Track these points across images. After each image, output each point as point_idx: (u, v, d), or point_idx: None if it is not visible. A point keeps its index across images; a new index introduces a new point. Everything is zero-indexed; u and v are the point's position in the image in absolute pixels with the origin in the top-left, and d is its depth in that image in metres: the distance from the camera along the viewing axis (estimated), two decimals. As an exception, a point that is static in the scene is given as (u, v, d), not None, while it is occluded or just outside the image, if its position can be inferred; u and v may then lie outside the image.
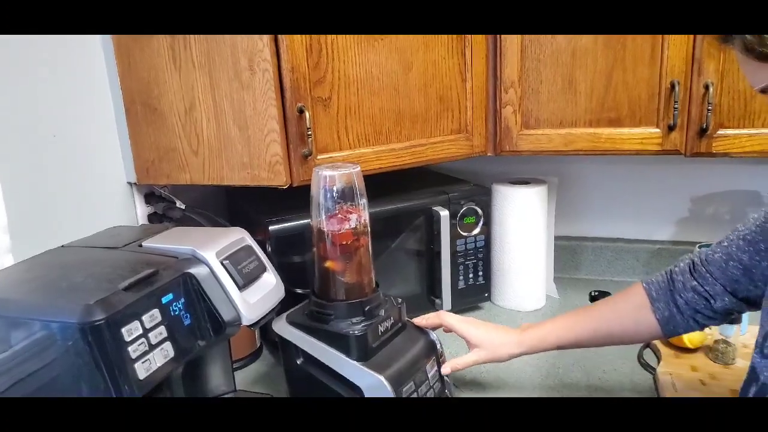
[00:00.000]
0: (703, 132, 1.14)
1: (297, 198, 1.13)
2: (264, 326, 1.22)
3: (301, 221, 1.13)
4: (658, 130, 1.17)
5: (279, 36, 1.00)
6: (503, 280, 1.42)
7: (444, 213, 1.26)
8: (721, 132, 1.14)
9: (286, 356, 0.98)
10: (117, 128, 1.13)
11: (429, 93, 1.19)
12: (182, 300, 0.72)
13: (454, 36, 1.18)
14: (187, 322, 0.72)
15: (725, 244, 0.87)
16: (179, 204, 1.21)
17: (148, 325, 0.66)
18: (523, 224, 1.37)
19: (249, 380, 1.15)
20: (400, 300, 1.01)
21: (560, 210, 1.50)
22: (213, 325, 0.75)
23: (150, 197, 1.22)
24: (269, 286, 0.84)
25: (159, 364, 0.67)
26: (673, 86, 1.13)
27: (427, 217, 1.28)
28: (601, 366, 1.14)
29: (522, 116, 1.24)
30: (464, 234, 1.32)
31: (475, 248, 1.35)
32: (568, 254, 1.56)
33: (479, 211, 1.33)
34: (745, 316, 1.19)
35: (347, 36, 1.07)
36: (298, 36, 1.01)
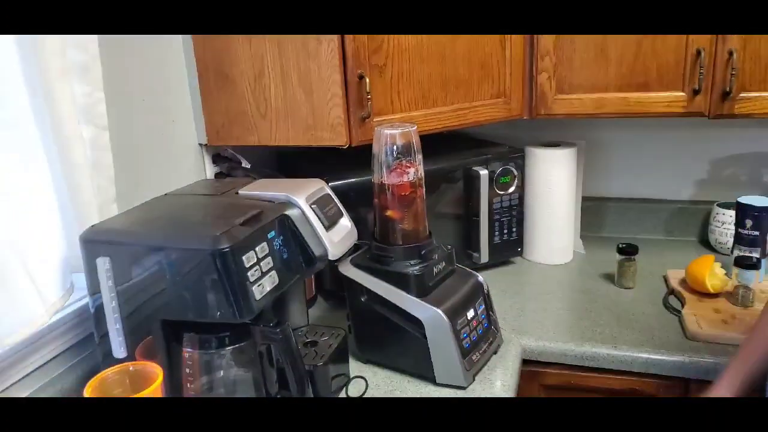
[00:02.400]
0: (726, 95, 1.23)
1: (344, 159, 1.24)
2: (319, 275, 1.36)
3: (354, 179, 1.24)
4: (683, 93, 1.27)
5: (343, 8, 1.10)
6: (534, 236, 1.53)
7: (483, 172, 1.37)
8: (743, 95, 1.23)
9: (351, 295, 1.10)
10: (190, 94, 1.24)
11: (472, 60, 1.29)
12: (281, 237, 0.84)
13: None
14: (285, 255, 0.84)
15: None
16: (245, 163, 1.33)
17: (260, 256, 0.78)
18: (553, 184, 1.48)
19: (311, 321, 1.28)
20: (450, 246, 1.13)
21: (587, 172, 1.61)
22: (305, 259, 0.87)
23: (216, 158, 1.34)
24: (347, 228, 0.96)
25: (268, 289, 0.79)
26: (698, 53, 1.22)
27: (467, 177, 1.39)
28: (630, 310, 1.26)
29: (556, 82, 1.34)
30: (500, 193, 1.43)
31: (510, 206, 1.46)
32: (594, 213, 1.67)
33: (514, 171, 1.44)
34: (763, 263, 1.30)
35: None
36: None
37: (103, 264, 0.75)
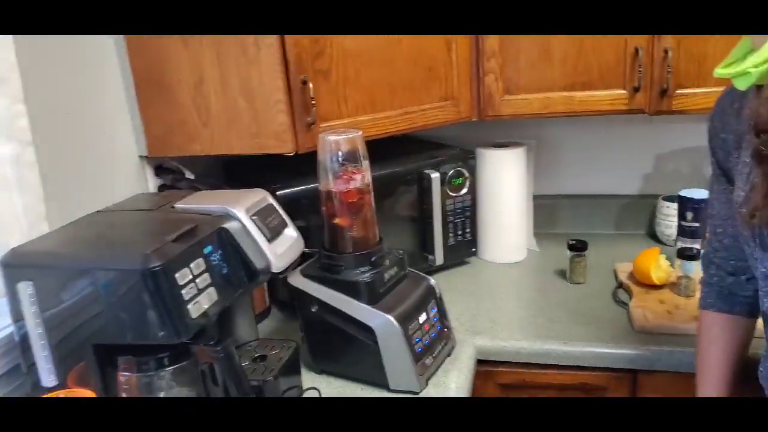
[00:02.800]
0: (663, 92, 1.26)
1: (288, 166, 1.22)
2: (272, 286, 1.33)
3: (303, 186, 1.22)
4: (625, 91, 1.29)
5: (282, 13, 1.08)
6: (488, 235, 1.54)
7: (435, 175, 1.37)
8: (679, 91, 1.27)
9: (301, 306, 1.08)
10: (128, 104, 1.20)
11: (418, 64, 1.28)
12: (220, 251, 0.81)
13: (439, 10, 1.27)
14: (224, 270, 0.82)
15: (718, 230, 0.91)
16: (188, 174, 1.29)
17: (195, 272, 0.76)
18: (505, 184, 1.49)
19: (263, 334, 1.26)
20: (401, 251, 1.12)
21: (539, 170, 1.63)
22: (247, 273, 0.85)
23: (159, 170, 1.30)
24: (292, 239, 0.94)
25: (206, 306, 0.77)
26: (636, 51, 1.25)
27: (419, 180, 1.38)
28: (581, 306, 1.28)
29: (503, 83, 1.35)
30: (453, 194, 1.43)
31: (463, 207, 1.46)
32: (547, 211, 1.69)
33: (466, 173, 1.44)
34: (704, 255, 1.34)
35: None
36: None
37: (25, 289, 0.71)
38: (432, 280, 1.14)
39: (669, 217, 1.51)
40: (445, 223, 1.43)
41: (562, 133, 1.65)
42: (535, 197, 1.62)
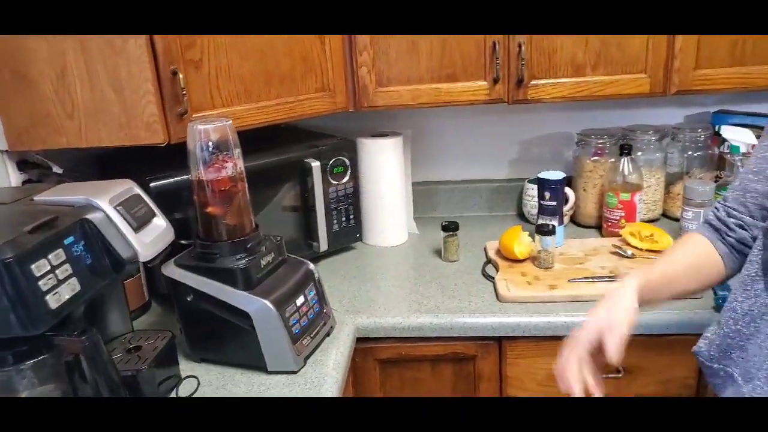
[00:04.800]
0: (520, 83, 1.38)
1: (168, 158, 1.22)
2: (152, 280, 1.32)
3: (178, 177, 1.22)
4: (485, 82, 1.40)
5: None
6: (371, 221, 1.61)
7: (316, 164, 1.41)
8: (533, 82, 1.39)
9: (177, 296, 1.09)
10: (-17, 97, 1.14)
11: (293, 55, 1.31)
12: (82, 242, 0.81)
13: (311, 3, 1.31)
14: (88, 261, 0.81)
15: (737, 183, 0.93)
16: (56, 169, 1.25)
17: (54, 263, 0.75)
18: (384, 171, 1.56)
19: (143, 328, 1.24)
20: (279, 237, 1.16)
21: (416, 159, 1.71)
22: (113, 263, 0.85)
23: (23, 165, 1.24)
24: (160, 228, 0.94)
25: (67, 297, 0.76)
26: (494, 45, 1.36)
27: (301, 169, 1.42)
28: (453, 281, 1.38)
29: (376, 75, 1.41)
30: (335, 183, 1.48)
31: (345, 195, 1.52)
32: (425, 197, 1.78)
33: (347, 161, 1.50)
34: (560, 229, 1.48)
35: None
36: (165, 3, 1.10)
37: None
38: (311, 265, 1.18)
39: (533, 198, 1.65)
40: (328, 211, 1.48)
41: (437, 123, 1.75)
42: (415, 184, 1.71)
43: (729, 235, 0.93)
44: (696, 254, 0.96)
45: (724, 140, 1.54)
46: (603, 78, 1.38)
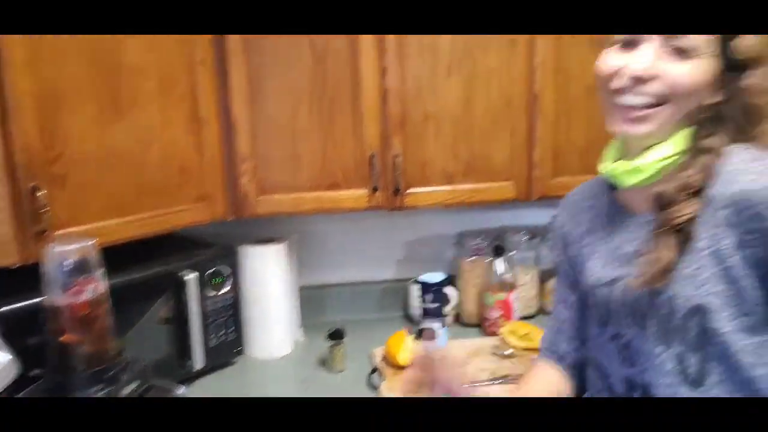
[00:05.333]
0: (397, 191, 1.45)
1: (19, 279, 1.12)
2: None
3: (32, 300, 1.11)
4: (365, 191, 1.45)
5: (8, 116, 1.03)
6: (254, 332, 1.55)
7: (189, 277, 1.36)
8: (410, 191, 1.46)
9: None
10: None
11: (170, 167, 1.29)
12: None
13: (190, 116, 1.32)
14: None
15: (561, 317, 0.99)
16: None
17: None
18: (268, 279, 1.54)
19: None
20: (144, 362, 1.08)
21: (303, 263, 1.70)
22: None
23: None
24: (2, 364, 0.85)
25: None
26: (372, 157, 1.42)
27: (175, 282, 1.36)
28: (338, 394, 1.34)
29: (257, 184, 1.42)
30: (213, 294, 1.43)
31: (225, 306, 1.46)
32: (313, 301, 1.76)
33: (227, 271, 1.46)
34: (444, 331, 1.51)
35: (83, 115, 1.13)
36: (30, 116, 1.05)
37: None
38: (180, 390, 1.10)
39: (419, 299, 1.68)
40: (204, 325, 1.41)
41: (323, 226, 1.77)
42: (302, 288, 1.69)
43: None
44: (548, 391, 0.97)
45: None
46: (472, 186, 1.48)
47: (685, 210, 0.72)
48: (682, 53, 0.71)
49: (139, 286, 1.30)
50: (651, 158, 0.75)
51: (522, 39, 1.41)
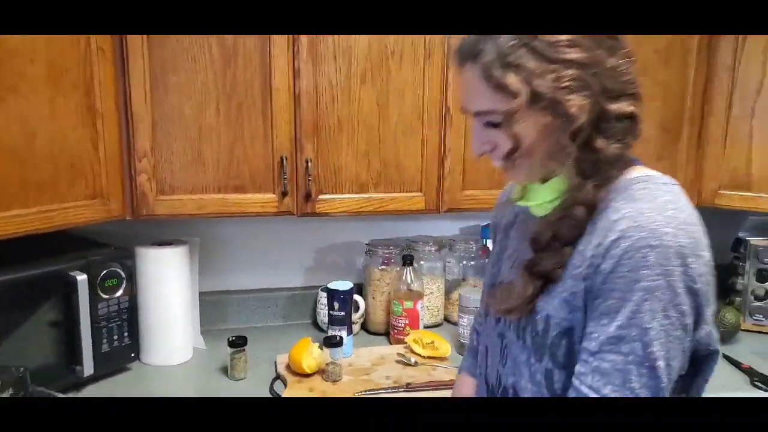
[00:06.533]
0: (308, 197, 1.43)
1: None
2: None
3: None
4: (274, 195, 1.42)
5: None
6: (150, 338, 1.47)
7: (81, 277, 1.27)
8: (321, 197, 1.44)
9: None
10: None
11: (59, 160, 1.21)
12: None
13: (84, 107, 1.24)
14: None
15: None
16: None
17: None
18: (167, 283, 1.46)
19: None
20: (21, 368, 1.00)
21: (205, 267, 1.64)
22: None
23: None
24: None
25: None
26: (282, 160, 1.39)
27: (64, 283, 1.26)
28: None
29: (157, 183, 1.35)
30: (106, 297, 1.34)
31: (119, 310, 1.38)
32: (215, 307, 1.70)
33: (122, 273, 1.37)
34: (349, 340, 1.50)
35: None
36: None
37: None
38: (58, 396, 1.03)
39: (326, 307, 1.67)
40: (96, 329, 1.32)
41: (227, 230, 1.71)
42: (203, 294, 1.63)
43: None
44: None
45: (489, 251, 1.73)
46: (384, 195, 1.49)
47: (553, 259, 0.74)
48: (492, 124, 0.74)
49: (24, 286, 1.20)
50: (539, 199, 0.79)
51: (438, 52, 1.44)
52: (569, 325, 0.73)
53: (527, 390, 0.78)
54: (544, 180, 0.78)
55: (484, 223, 1.87)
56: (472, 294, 1.56)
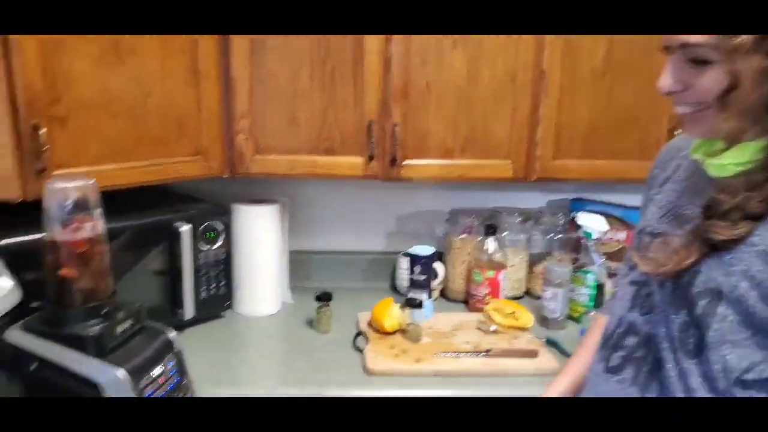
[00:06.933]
0: (393, 161, 1.46)
1: (21, 214, 1.14)
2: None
3: (32, 236, 1.13)
4: (361, 159, 1.46)
5: (11, 54, 1.03)
6: (243, 289, 1.57)
7: (185, 228, 1.37)
8: (406, 162, 1.48)
9: (19, 365, 0.99)
10: None
11: (167, 118, 1.30)
12: None
13: (190, 70, 1.32)
14: None
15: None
16: None
17: None
18: (259, 239, 1.56)
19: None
20: (139, 304, 1.10)
21: (294, 227, 1.72)
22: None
23: None
24: (4, 289, 0.87)
25: None
26: (370, 125, 1.44)
27: (170, 233, 1.38)
28: (323, 353, 1.37)
29: (253, 143, 1.43)
30: (205, 248, 1.45)
31: (217, 261, 1.48)
32: (301, 266, 1.78)
33: (220, 227, 1.47)
34: (429, 303, 1.54)
35: (85, 57, 1.14)
36: (32, 54, 1.06)
37: None
38: (172, 333, 1.12)
39: (406, 271, 1.71)
40: (197, 277, 1.43)
41: (316, 192, 1.79)
42: (291, 252, 1.71)
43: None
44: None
45: (578, 226, 1.71)
46: (470, 162, 1.49)
47: (728, 232, 0.69)
48: (698, 62, 0.69)
49: (135, 233, 1.32)
50: (726, 160, 0.72)
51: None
52: (719, 288, 0.70)
53: (665, 337, 0.76)
54: (731, 141, 0.70)
55: (573, 197, 1.84)
56: (559, 267, 1.55)
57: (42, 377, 0.98)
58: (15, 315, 1.00)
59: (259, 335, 1.47)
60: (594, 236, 1.63)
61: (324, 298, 1.47)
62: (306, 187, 1.77)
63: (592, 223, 1.66)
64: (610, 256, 1.71)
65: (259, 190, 1.67)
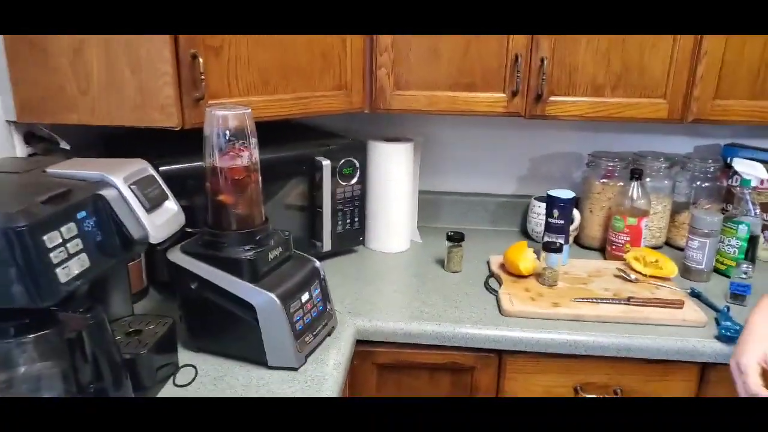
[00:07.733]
0: (538, 98, 1.38)
1: (177, 143, 1.20)
2: (151, 266, 1.29)
3: (188, 164, 1.20)
4: (504, 95, 1.39)
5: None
6: (375, 226, 1.59)
7: (326, 163, 1.39)
8: (552, 98, 1.39)
9: (180, 283, 1.07)
10: (-4, 65, 1.11)
11: (313, 51, 1.30)
12: (94, 218, 0.78)
13: (336, 0, 1.30)
14: (99, 238, 0.79)
15: None
16: (63, 144, 1.22)
17: (66, 236, 0.73)
18: (393, 177, 1.55)
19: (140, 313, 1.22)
20: (287, 233, 1.14)
21: (424, 167, 1.70)
22: (123, 242, 0.82)
23: (30, 137, 1.21)
24: (172, 211, 0.92)
25: (76, 272, 0.74)
26: (516, 58, 1.35)
27: (310, 167, 1.40)
28: (455, 291, 1.36)
29: (394, 78, 1.40)
30: (343, 184, 1.47)
31: (352, 197, 1.50)
32: (430, 206, 1.77)
33: (356, 163, 1.48)
34: (566, 248, 1.47)
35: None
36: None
37: None
38: (317, 263, 1.16)
39: (539, 216, 1.65)
40: (334, 212, 1.46)
41: (448, 132, 1.74)
42: (421, 192, 1.70)
43: None
44: None
45: (734, 173, 1.55)
46: (621, 100, 1.38)
47: None
48: None
49: (278, 166, 1.35)
50: None
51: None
52: None
53: None
54: None
55: (726, 142, 1.66)
56: (708, 216, 1.42)
57: (201, 296, 1.05)
58: (174, 238, 1.06)
59: (391, 271, 1.48)
60: (752, 184, 1.48)
61: (456, 237, 1.45)
62: (439, 126, 1.73)
63: (751, 170, 1.51)
64: (764, 207, 1.54)
65: (390, 129, 1.66)
